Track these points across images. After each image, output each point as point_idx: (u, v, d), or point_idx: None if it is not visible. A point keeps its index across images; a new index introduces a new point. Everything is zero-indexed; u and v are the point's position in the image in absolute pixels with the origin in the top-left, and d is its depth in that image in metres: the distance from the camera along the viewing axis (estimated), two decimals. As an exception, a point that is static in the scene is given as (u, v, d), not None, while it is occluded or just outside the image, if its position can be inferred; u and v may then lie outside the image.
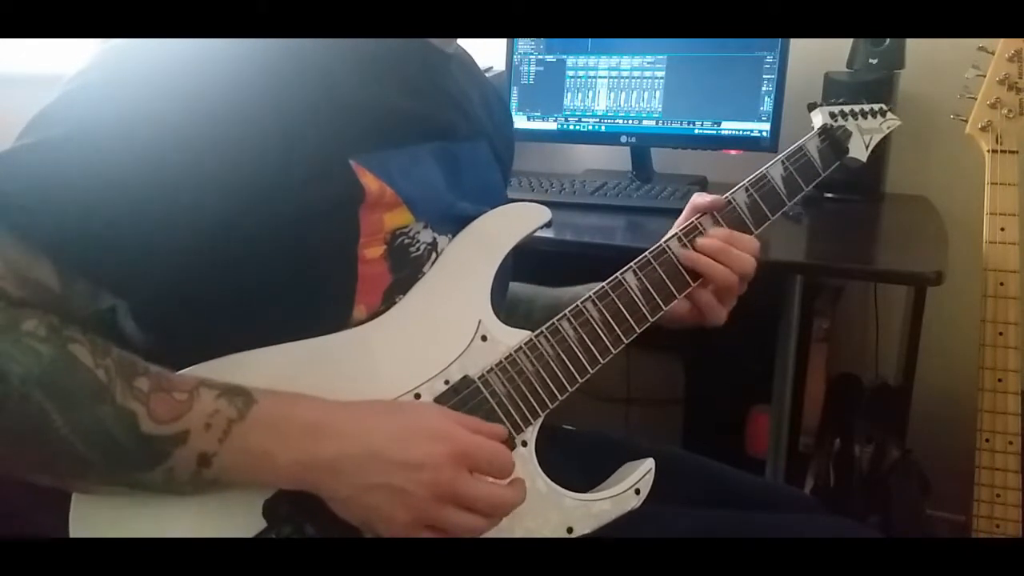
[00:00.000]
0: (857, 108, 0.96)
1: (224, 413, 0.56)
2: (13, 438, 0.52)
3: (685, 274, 0.80)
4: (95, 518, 0.59)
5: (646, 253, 0.79)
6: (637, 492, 0.74)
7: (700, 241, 0.79)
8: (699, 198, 0.83)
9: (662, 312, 0.78)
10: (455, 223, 0.73)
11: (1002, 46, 1.16)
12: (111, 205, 0.55)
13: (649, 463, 0.75)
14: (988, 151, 1.19)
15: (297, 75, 0.61)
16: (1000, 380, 1.18)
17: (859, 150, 0.94)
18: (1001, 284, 1.18)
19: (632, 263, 0.78)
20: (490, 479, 0.63)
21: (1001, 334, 1.18)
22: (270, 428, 0.58)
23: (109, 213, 0.55)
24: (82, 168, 0.55)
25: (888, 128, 0.99)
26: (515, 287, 0.89)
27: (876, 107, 0.98)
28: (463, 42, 0.82)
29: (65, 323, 0.54)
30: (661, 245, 0.80)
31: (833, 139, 0.91)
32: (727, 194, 0.83)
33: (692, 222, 0.81)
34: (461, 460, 0.61)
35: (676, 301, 0.79)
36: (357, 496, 0.60)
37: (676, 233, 0.81)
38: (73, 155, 0.55)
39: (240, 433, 0.57)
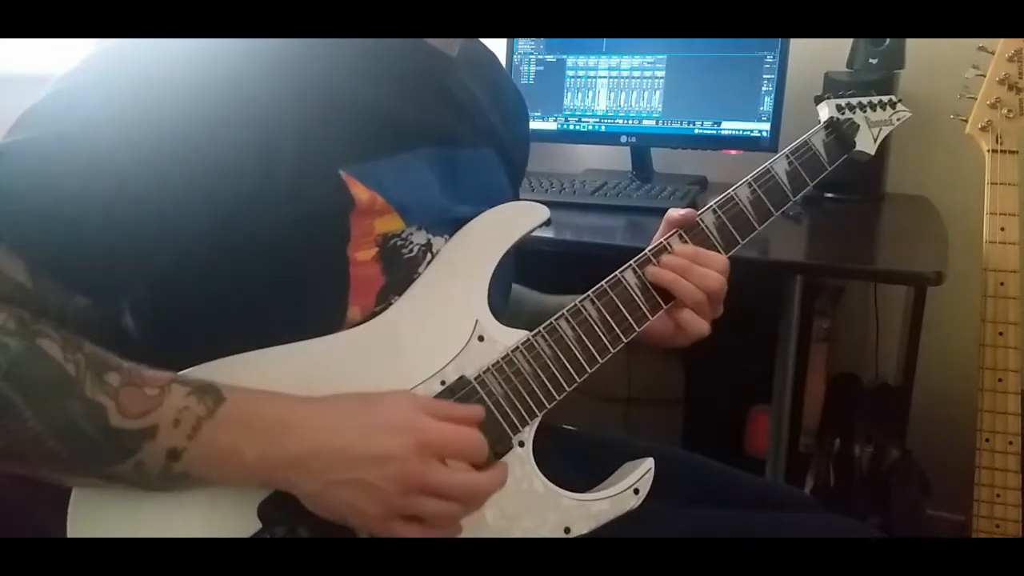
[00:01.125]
0: (865, 100, 0.94)
1: (193, 410, 0.57)
2: None
3: None
4: (94, 516, 0.59)
5: (645, 251, 0.79)
6: (636, 492, 0.73)
7: (664, 259, 0.78)
8: (673, 212, 0.81)
9: (662, 310, 0.78)
10: (451, 226, 0.73)
11: (1002, 46, 1.16)
12: (87, 209, 0.55)
13: (648, 463, 0.75)
14: (988, 151, 1.19)
15: (291, 82, 0.61)
16: (1000, 380, 1.18)
17: (867, 143, 0.92)
18: (1001, 284, 1.18)
19: (631, 261, 0.78)
20: (464, 466, 0.63)
21: (1001, 334, 1.18)
22: (238, 425, 0.58)
23: (84, 217, 0.55)
24: (60, 169, 0.55)
25: (898, 120, 0.97)
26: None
27: (886, 99, 0.96)
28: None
29: (36, 318, 0.54)
30: (662, 243, 0.79)
31: (840, 132, 0.89)
32: (730, 189, 0.83)
33: (694, 220, 0.81)
34: (428, 450, 0.61)
35: (673, 303, 0.79)
36: (326, 492, 0.60)
37: (677, 231, 0.80)
38: (52, 156, 0.55)
39: (209, 430, 0.57)
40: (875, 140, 0.93)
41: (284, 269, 0.63)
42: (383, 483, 0.60)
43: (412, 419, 0.62)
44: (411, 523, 0.62)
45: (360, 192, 0.64)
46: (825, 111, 0.91)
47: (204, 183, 0.57)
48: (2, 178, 0.54)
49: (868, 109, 0.93)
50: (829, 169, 0.88)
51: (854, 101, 0.93)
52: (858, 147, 0.91)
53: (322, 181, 0.62)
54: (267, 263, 0.62)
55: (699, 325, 0.79)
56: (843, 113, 0.90)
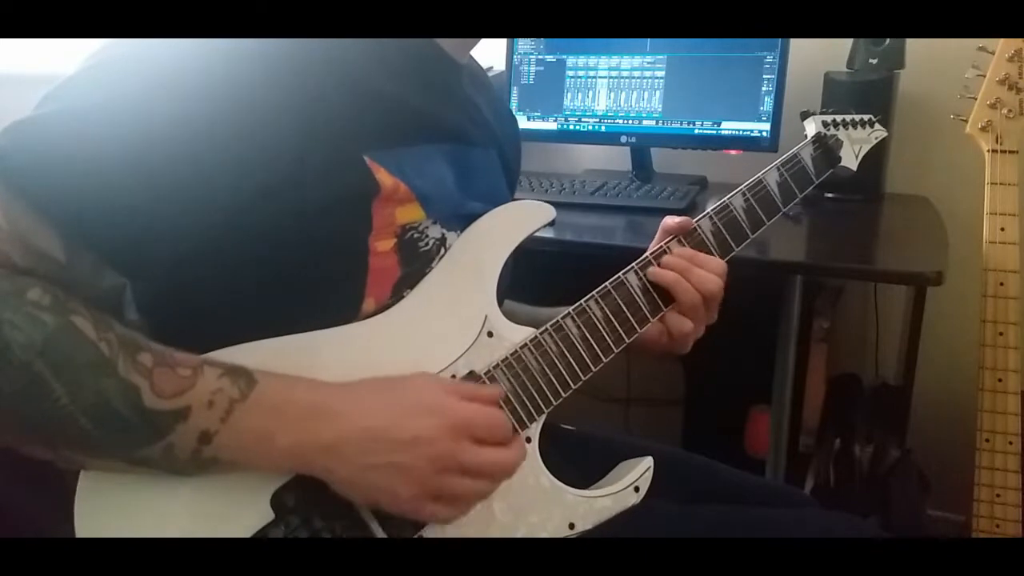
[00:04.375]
0: (848, 118, 0.98)
1: (227, 392, 0.56)
2: (13, 407, 0.52)
3: None
4: (102, 507, 0.58)
5: (646, 254, 0.80)
6: (636, 490, 0.75)
7: (665, 259, 0.79)
8: (669, 220, 0.82)
9: (662, 312, 0.79)
10: (464, 221, 0.73)
11: (1002, 46, 1.16)
12: (122, 181, 0.55)
13: (648, 461, 0.76)
14: (988, 151, 1.19)
15: (320, 70, 0.62)
16: (1000, 380, 1.18)
17: (850, 159, 0.96)
18: (1001, 284, 1.18)
19: (634, 263, 0.79)
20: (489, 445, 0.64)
21: (1001, 334, 1.18)
22: (271, 409, 0.58)
23: (119, 189, 0.55)
24: (98, 141, 0.55)
25: (876, 139, 1.01)
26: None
27: (865, 117, 1.00)
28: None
29: (68, 295, 0.54)
30: (662, 246, 0.80)
31: (826, 148, 0.92)
32: (725, 198, 0.84)
33: (691, 226, 0.82)
34: (460, 431, 0.62)
35: (673, 305, 0.79)
36: (359, 476, 0.60)
37: (677, 235, 0.81)
38: (89, 128, 0.55)
39: (242, 412, 0.57)
40: (856, 156, 0.97)
41: (305, 259, 0.63)
42: (418, 463, 0.60)
43: (442, 401, 0.63)
44: (440, 502, 0.62)
45: (384, 178, 0.64)
46: (812, 127, 0.94)
47: (231, 168, 0.57)
48: (36, 147, 0.54)
49: (850, 127, 0.97)
50: (816, 182, 0.91)
51: (838, 118, 0.96)
52: (843, 162, 0.95)
53: (349, 164, 0.63)
54: (287, 252, 0.62)
55: (687, 327, 0.79)
56: (829, 129, 0.94)
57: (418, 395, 0.63)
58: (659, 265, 0.79)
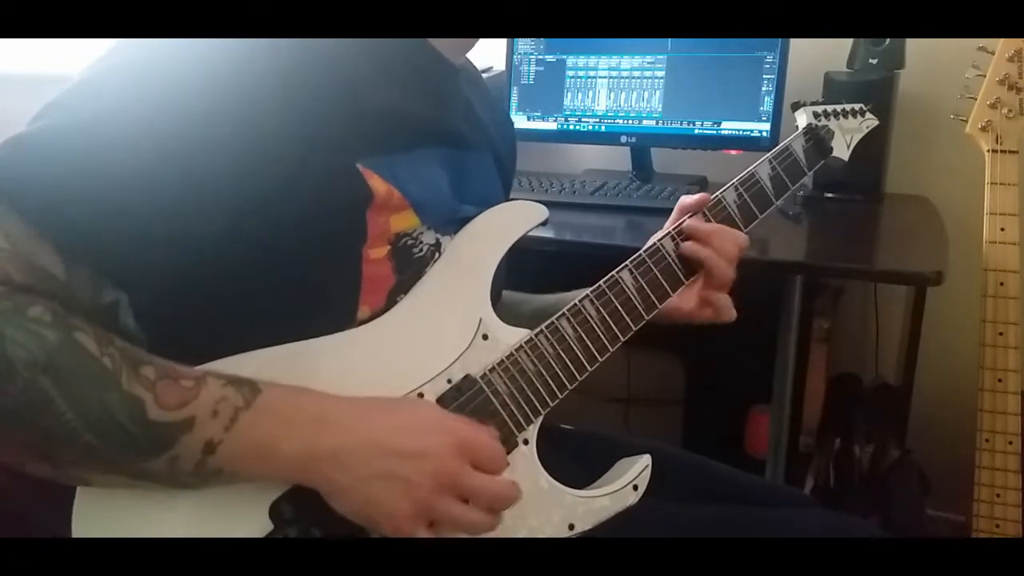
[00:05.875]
0: (839, 108, 0.97)
1: (231, 401, 0.56)
2: (17, 424, 0.51)
3: (679, 272, 0.81)
4: (100, 520, 0.58)
5: (641, 252, 0.80)
6: (635, 488, 0.74)
7: (689, 223, 0.82)
8: (686, 199, 0.84)
9: (657, 310, 0.79)
10: (459, 226, 0.73)
11: (1002, 46, 1.17)
12: (120, 195, 0.55)
13: (646, 459, 0.76)
14: (988, 151, 1.19)
15: (318, 78, 0.61)
16: (1000, 380, 1.18)
17: (841, 149, 0.96)
18: (1001, 284, 1.18)
19: (627, 262, 0.79)
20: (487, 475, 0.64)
21: (1001, 334, 1.18)
22: (276, 417, 0.58)
23: (117, 203, 0.55)
24: (94, 156, 0.55)
25: (867, 128, 1.01)
26: (504, 294, 0.89)
27: (856, 107, 1.00)
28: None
29: (69, 311, 0.54)
30: (655, 244, 0.81)
31: (817, 138, 0.92)
32: (718, 192, 0.84)
33: (684, 220, 0.82)
34: (463, 451, 0.62)
35: (671, 299, 0.80)
36: (358, 487, 0.60)
37: (669, 231, 0.82)
38: (86, 142, 0.55)
39: (247, 421, 0.56)
40: (848, 146, 0.97)
41: (300, 269, 0.63)
42: (419, 478, 0.60)
43: (447, 421, 0.63)
44: (433, 528, 0.62)
45: (377, 185, 0.64)
46: (803, 118, 0.94)
47: (228, 179, 0.57)
48: (32, 163, 0.54)
49: (841, 116, 0.97)
50: (808, 174, 0.91)
51: (828, 108, 0.96)
52: (834, 153, 0.94)
53: (342, 172, 0.63)
54: (282, 263, 0.62)
55: (729, 308, 0.83)
56: (820, 120, 0.94)
57: (424, 413, 0.64)
58: (687, 231, 0.81)
